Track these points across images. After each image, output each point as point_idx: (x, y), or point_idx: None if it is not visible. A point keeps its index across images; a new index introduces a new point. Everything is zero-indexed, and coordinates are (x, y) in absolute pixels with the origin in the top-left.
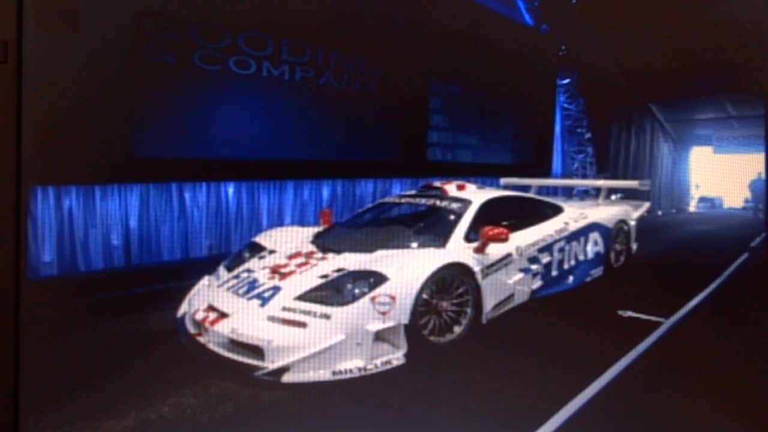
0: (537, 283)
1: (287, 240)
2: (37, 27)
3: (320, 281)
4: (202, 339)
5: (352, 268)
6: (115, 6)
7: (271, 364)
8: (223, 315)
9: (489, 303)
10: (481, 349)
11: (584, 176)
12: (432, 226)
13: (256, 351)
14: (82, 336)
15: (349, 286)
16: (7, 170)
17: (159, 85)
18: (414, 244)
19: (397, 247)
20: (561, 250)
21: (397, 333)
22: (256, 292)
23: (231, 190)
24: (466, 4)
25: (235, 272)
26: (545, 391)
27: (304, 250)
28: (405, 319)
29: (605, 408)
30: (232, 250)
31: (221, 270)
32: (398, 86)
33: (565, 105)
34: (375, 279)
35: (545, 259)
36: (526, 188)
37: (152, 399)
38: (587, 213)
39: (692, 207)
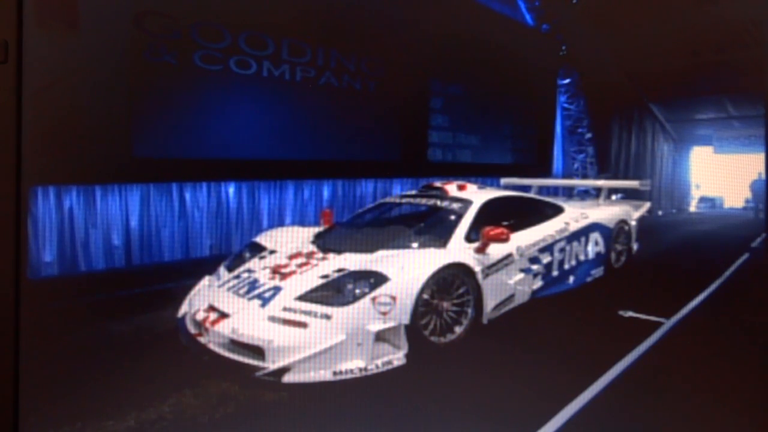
0: (538, 284)
1: (288, 240)
2: (37, 27)
3: (321, 281)
4: (202, 339)
5: (352, 269)
6: (115, 6)
7: (271, 365)
8: (223, 315)
9: (490, 303)
10: (481, 350)
11: (585, 176)
12: (433, 226)
13: (257, 351)
14: (83, 336)
15: (350, 286)
16: (7, 170)
17: (159, 85)
18: (415, 245)
19: (398, 247)
20: (562, 250)
21: (397, 333)
22: (256, 292)
23: (231, 190)
24: (467, 4)
25: (236, 272)
26: (546, 392)
27: (305, 251)
28: (406, 320)
29: (606, 408)
30: (233, 250)
31: (222, 270)
32: (398, 86)
33: (566, 105)
34: (376, 279)
35: (546, 259)
36: (526, 188)
37: (153, 399)
38: (588, 213)
39: (693, 207)
